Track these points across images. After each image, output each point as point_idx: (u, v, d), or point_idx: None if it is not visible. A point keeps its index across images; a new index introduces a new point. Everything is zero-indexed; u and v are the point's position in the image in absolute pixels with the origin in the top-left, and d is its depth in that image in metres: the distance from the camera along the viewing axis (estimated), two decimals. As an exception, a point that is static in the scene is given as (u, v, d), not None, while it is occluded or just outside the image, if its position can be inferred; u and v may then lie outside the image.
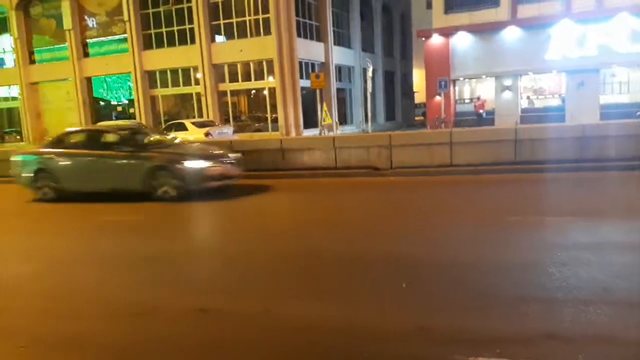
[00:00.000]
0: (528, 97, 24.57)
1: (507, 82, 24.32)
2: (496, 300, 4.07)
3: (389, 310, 3.99)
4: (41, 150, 11.28)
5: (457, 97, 25.60)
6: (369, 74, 21.25)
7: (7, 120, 33.32)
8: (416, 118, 38.91)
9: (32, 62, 30.51)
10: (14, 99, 32.06)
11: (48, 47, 30.14)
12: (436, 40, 24.88)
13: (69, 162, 10.52)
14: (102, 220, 8.73)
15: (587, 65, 22.17)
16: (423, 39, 25.76)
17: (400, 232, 6.57)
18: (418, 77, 39.09)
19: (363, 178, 11.75)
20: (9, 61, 31.26)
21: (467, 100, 25.62)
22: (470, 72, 24.70)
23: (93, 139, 10.87)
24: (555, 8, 22.47)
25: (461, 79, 25.23)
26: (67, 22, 28.55)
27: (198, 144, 12.49)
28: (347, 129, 28.72)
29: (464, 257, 5.26)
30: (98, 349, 3.65)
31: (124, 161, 9.96)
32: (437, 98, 24.53)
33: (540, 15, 22.57)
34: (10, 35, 30.26)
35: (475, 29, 23.94)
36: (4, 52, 31.50)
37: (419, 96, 39.59)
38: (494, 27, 23.56)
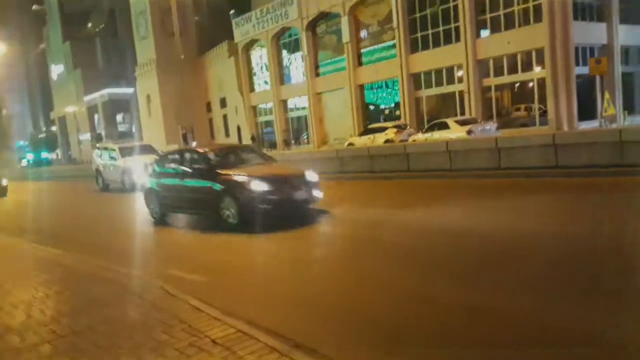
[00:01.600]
0: None
1: None
2: None
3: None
4: None
5: None
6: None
7: (297, 126, 39.39)
8: None
9: (317, 75, 35.36)
10: (303, 108, 37.72)
11: (330, 61, 34.48)
12: None
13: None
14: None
15: None
16: None
17: None
18: None
19: None
20: (299, 75, 36.89)
21: None
22: None
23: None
24: None
25: None
26: (345, 35, 32.12)
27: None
28: (638, 120, 24.68)
29: None
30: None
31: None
32: None
33: None
34: (302, 52, 35.72)
35: None
36: (296, 68, 37.34)
37: None
38: None
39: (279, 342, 3.77)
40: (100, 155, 22.51)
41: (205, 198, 9.48)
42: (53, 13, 66.10)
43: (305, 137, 37.83)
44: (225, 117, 45.05)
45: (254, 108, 41.95)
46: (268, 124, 41.20)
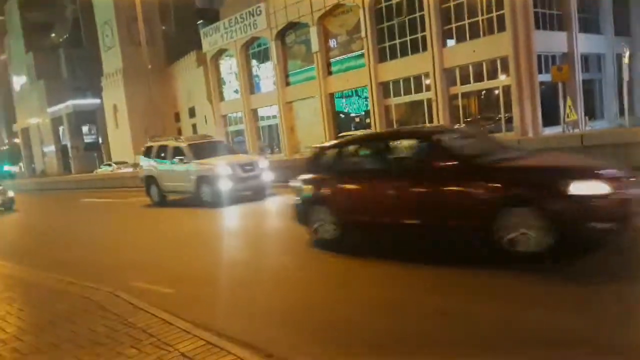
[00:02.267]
0: None
1: None
2: None
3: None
4: None
5: None
6: (625, 60, 18.62)
7: (268, 135, 39.25)
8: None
9: (288, 84, 35.40)
10: (274, 117, 37.66)
11: (299, 70, 34.57)
12: None
13: None
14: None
15: None
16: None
17: None
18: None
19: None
20: (270, 85, 36.84)
21: None
22: None
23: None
24: None
25: None
26: (315, 45, 32.29)
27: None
28: (598, 125, 25.54)
29: None
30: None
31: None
32: None
33: None
34: (271, 62, 35.69)
35: None
36: (266, 77, 37.30)
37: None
38: None
39: (250, 353, 3.70)
40: (157, 155, 16.03)
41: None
42: (14, 23, 64.40)
43: (275, 146, 37.78)
44: (194, 126, 44.63)
45: (224, 117, 41.69)
46: (239, 133, 40.96)
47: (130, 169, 33.24)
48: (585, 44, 26.25)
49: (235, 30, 37.33)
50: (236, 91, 39.64)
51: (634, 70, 26.40)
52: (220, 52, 40.12)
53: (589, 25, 27.19)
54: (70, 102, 55.58)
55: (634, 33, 29.34)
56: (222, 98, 41.38)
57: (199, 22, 41.57)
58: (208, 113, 42.20)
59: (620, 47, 20.57)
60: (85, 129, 58.69)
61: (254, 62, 38.38)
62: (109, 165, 42.24)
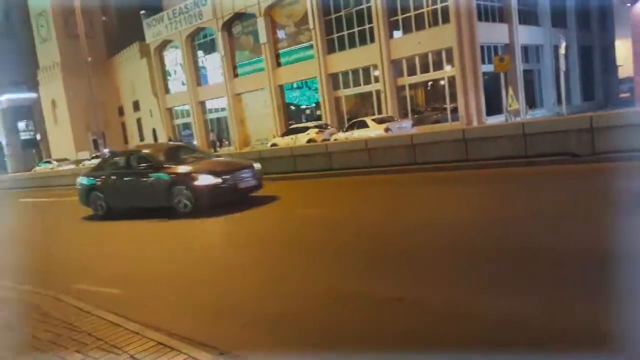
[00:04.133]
0: None
1: None
2: None
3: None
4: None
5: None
6: (562, 51, 19.47)
7: (217, 128, 38.60)
8: (621, 95, 34.14)
9: (236, 75, 34.85)
10: (222, 109, 37.03)
11: (248, 61, 34.10)
12: (645, 3, 21.58)
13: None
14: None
15: None
16: (628, 4, 22.55)
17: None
18: (623, 49, 34.19)
19: (559, 166, 10.75)
20: (217, 76, 36.16)
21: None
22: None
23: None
24: None
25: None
26: (262, 36, 31.93)
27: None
28: (538, 113, 26.66)
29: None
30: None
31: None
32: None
33: None
34: (218, 53, 35.02)
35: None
36: (214, 69, 36.58)
37: (624, 70, 34.67)
38: None
39: (203, 352, 3.61)
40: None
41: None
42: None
43: (225, 139, 37.21)
44: (139, 120, 43.27)
45: (170, 110, 40.61)
46: (186, 126, 40.04)
47: (72, 166, 31.82)
48: (525, 35, 27.28)
49: (180, 20, 36.36)
50: (183, 83, 38.69)
51: (570, 60, 27.71)
52: (165, 43, 39.00)
53: (529, 18, 28.27)
54: (3, 97, 52.53)
55: (570, 25, 30.75)
56: (167, 90, 40.28)
57: (142, 12, 40.09)
58: (153, 106, 40.98)
59: (557, 38, 21.47)
60: (21, 125, 55.69)
61: (200, 53, 37.54)
62: (49, 162, 40.26)
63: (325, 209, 9.81)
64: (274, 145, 24.88)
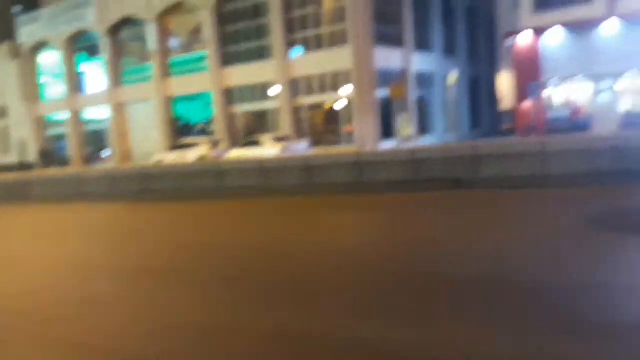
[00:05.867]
0: (631, 100, 21.92)
1: (606, 83, 21.90)
2: None
3: None
4: None
5: (549, 102, 23.46)
6: (452, 79, 19.97)
7: (97, 140, 35.20)
8: (504, 126, 36.56)
9: (120, 84, 32.12)
10: (103, 120, 33.87)
11: (134, 69, 31.61)
12: (525, 40, 23.02)
13: None
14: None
15: None
16: (510, 40, 23.95)
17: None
18: (506, 82, 36.72)
19: (446, 192, 10.70)
20: (100, 84, 33.09)
21: (560, 105, 23.37)
22: (563, 74, 22.55)
23: None
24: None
25: (553, 81, 23.11)
26: (152, 43, 29.75)
27: None
28: (429, 139, 27.36)
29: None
30: None
31: None
32: (527, 103, 22.61)
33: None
34: (102, 59, 32.10)
35: (568, 27, 21.85)
36: (96, 76, 33.45)
37: (507, 102, 37.22)
38: (589, 24, 21.37)
39: None
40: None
41: None
42: None
43: (108, 153, 34.04)
44: (5, 129, 38.35)
45: (43, 119, 36.47)
46: (61, 137, 36.10)
47: None
48: (419, 62, 28.02)
49: (60, 21, 32.94)
50: (59, 90, 34.94)
51: (459, 90, 28.95)
52: (40, 45, 35.11)
53: (423, 45, 29.13)
54: None
55: (460, 55, 32.32)
56: (40, 97, 36.20)
57: (14, 9, 35.85)
58: (23, 114, 36.55)
59: (449, 67, 22.14)
60: None
61: (81, 58, 34.19)
62: None
63: (204, 236, 8.74)
64: (159, 161, 23.70)
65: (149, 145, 30.45)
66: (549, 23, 22.08)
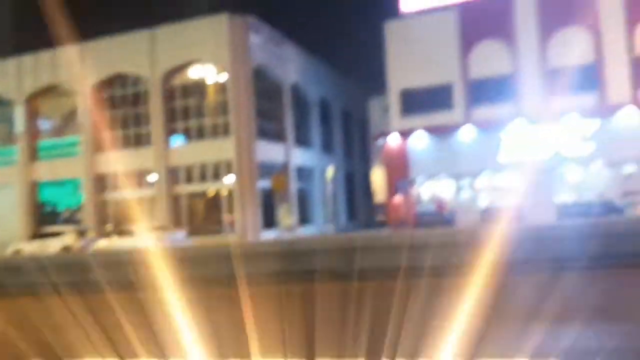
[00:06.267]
0: (487, 196, 24.63)
1: (465, 181, 24.50)
2: None
3: None
4: None
5: (417, 197, 25.46)
6: (329, 174, 21.00)
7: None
8: (379, 218, 38.63)
9: (-20, 166, 29.08)
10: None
11: (-3, 151, 28.97)
12: (394, 141, 25.23)
13: None
14: None
15: (540, 164, 22.61)
16: (381, 140, 26.12)
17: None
18: (379, 177, 39.39)
19: (323, 285, 10.74)
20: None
21: (427, 201, 25.46)
22: (428, 173, 24.86)
23: None
24: (508, 110, 23.32)
25: (420, 179, 25.30)
26: (19, 125, 27.76)
27: None
28: (308, 230, 27.89)
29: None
30: None
31: None
32: (397, 198, 24.31)
33: (493, 117, 23.34)
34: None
35: (431, 131, 24.46)
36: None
37: (380, 196, 39.66)
38: (449, 129, 24.17)
39: None
40: None
41: None
42: None
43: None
44: None
45: None
46: None
47: None
48: (299, 157, 29.19)
49: None
50: None
51: (337, 183, 30.42)
52: None
53: (303, 141, 30.55)
54: None
55: (337, 151, 34.30)
56: None
57: None
58: None
59: (326, 161, 23.34)
60: None
61: None
62: None
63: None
64: (16, 251, 21.70)
65: (6, 233, 27.26)
66: (414, 126, 24.59)
